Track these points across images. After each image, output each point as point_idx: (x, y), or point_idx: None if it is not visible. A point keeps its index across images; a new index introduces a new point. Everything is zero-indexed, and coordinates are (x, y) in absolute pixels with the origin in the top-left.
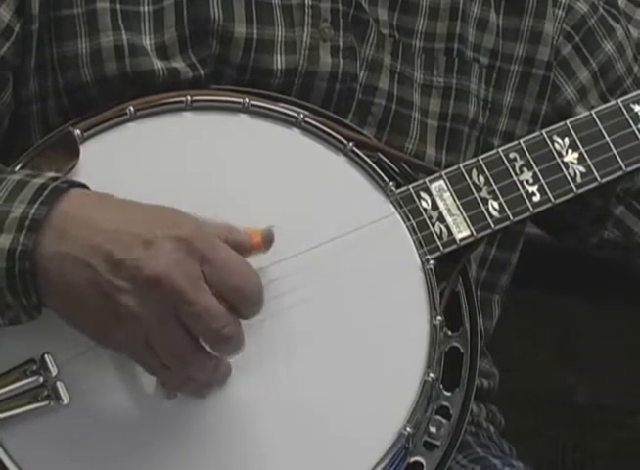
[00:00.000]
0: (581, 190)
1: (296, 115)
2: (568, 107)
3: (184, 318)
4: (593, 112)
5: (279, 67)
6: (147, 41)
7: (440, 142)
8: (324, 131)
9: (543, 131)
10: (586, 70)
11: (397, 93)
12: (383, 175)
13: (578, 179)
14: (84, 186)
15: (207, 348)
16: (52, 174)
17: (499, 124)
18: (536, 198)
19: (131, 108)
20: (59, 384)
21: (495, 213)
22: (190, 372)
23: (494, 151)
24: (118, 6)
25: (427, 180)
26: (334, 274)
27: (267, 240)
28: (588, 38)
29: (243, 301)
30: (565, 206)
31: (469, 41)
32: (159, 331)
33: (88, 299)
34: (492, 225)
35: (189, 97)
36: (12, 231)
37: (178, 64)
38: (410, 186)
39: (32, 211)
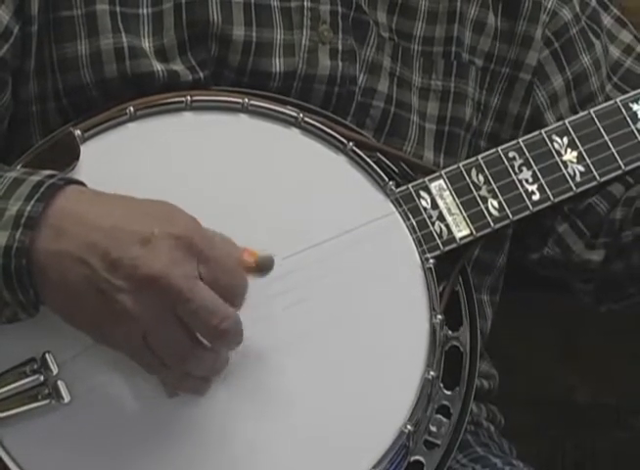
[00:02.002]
0: (580, 189)
1: (295, 114)
2: (537, 112)
3: (182, 316)
4: (592, 111)
5: (278, 70)
6: (146, 44)
7: (438, 145)
8: (324, 131)
9: (542, 130)
10: (560, 78)
11: (396, 96)
12: (382, 174)
13: (577, 178)
14: (81, 183)
15: (205, 343)
16: (49, 172)
17: (486, 127)
18: (536, 197)
19: (131, 108)
20: (59, 383)
21: (495, 212)
22: (188, 368)
23: (493, 150)
24: (118, 8)
25: (426, 179)
26: (333, 273)
27: (261, 266)
28: (568, 46)
29: (235, 297)
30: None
31: (465, 44)
32: (156, 329)
33: (85, 296)
34: (492, 224)
35: (189, 97)
36: (8, 228)
37: (178, 66)
38: (410, 185)
39: (28, 208)
